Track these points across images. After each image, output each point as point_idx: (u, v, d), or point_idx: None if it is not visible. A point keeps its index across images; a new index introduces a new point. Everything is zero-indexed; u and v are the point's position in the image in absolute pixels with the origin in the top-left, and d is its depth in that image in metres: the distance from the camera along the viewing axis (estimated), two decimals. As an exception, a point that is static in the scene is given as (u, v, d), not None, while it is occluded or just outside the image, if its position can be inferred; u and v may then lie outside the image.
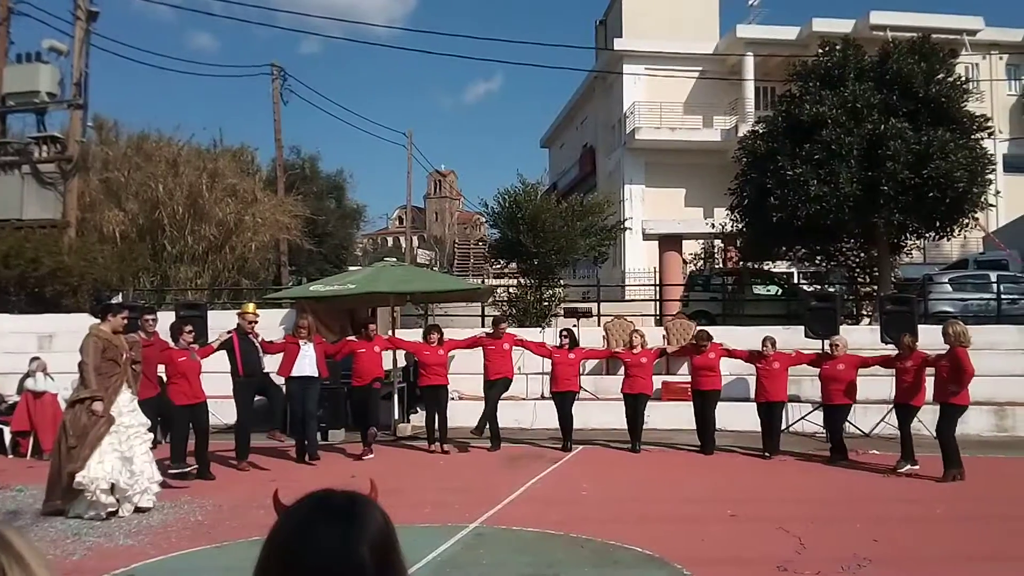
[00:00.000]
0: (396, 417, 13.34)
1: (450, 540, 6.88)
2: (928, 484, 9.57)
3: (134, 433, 8.31)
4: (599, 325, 16.73)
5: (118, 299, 9.33)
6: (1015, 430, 13.35)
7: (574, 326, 14.84)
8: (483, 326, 17.48)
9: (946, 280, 19.97)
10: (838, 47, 19.20)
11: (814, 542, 6.80)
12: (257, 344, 11.05)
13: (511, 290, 20.79)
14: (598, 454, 11.91)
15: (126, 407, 8.33)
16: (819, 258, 20.89)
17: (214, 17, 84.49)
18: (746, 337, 13.90)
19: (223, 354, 10.82)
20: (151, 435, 8.66)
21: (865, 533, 7.12)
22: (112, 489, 7.94)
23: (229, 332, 11.01)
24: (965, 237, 21.40)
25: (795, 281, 22.88)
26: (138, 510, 8.05)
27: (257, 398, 11.28)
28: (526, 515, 7.82)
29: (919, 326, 13.16)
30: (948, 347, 9.96)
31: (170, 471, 9.34)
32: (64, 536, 7.14)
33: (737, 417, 13.20)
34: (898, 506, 8.43)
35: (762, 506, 8.33)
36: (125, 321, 8.73)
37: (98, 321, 8.48)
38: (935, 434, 9.87)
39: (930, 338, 11.62)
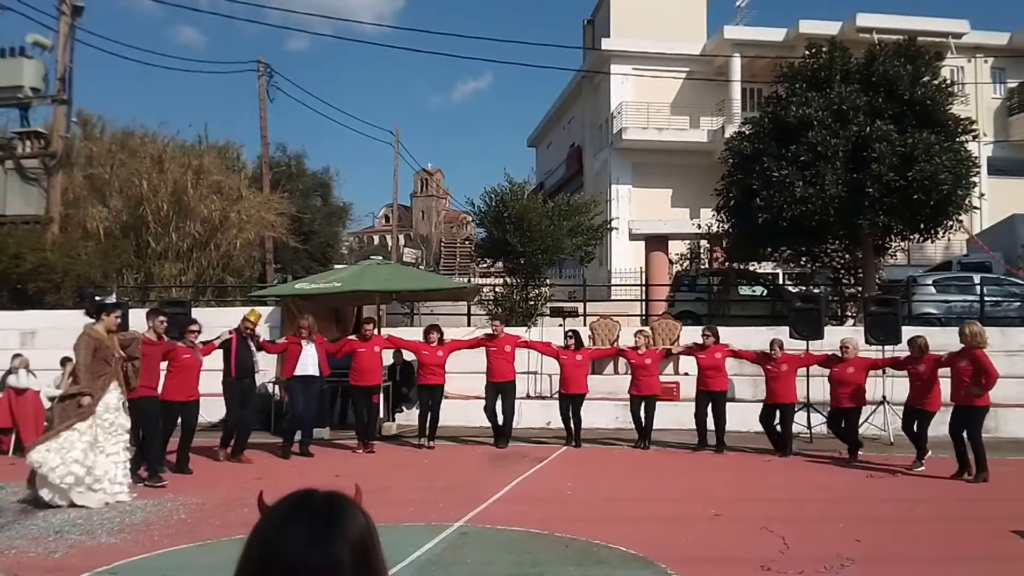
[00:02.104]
0: (382, 416, 13.32)
1: (435, 539, 6.86)
2: (912, 484, 9.64)
3: (113, 431, 8.36)
4: (585, 325, 16.74)
5: (112, 298, 9.40)
6: (998, 431, 13.43)
7: (560, 325, 14.86)
8: (469, 325, 17.48)
9: (930, 282, 20.09)
10: (824, 49, 19.27)
11: (798, 542, 6.81)
12: (253, 348, 11.19)
13: (497, 289, 20.77)
14: (583, 453, 11.92)
15: (112, 406, 8.39)
16: (804, 259, 20.98)
17: (201, 13, 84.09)
18: (732, 337, 13.95)
19: (215, 353, 10.98)
20: (126, 436, 8.66)
21: (848, 533, 7.14)
22: (45, 480, 8.00)
23: (230, 332, 11.18)
24: (949, 239, 21.54)
25: (780, 282, 22.97)
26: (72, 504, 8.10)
27: None
28: (511, 514, 7.82)
29: (903, 327, 13.26)
30: (963, 347, 9.98)
31: (145, 483, 9.28)
32: (46, 534, 7.08)
33: (731, 417, 13.24)
34: (881, 506, 8.47)
35: (746, 506, 8.35)
36: (119, 320, 8.82)
37: (93, 321, 8.52)
38: (970, 439, 9.80)
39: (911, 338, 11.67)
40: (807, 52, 19.77)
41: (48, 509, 7.93)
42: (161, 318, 10.52)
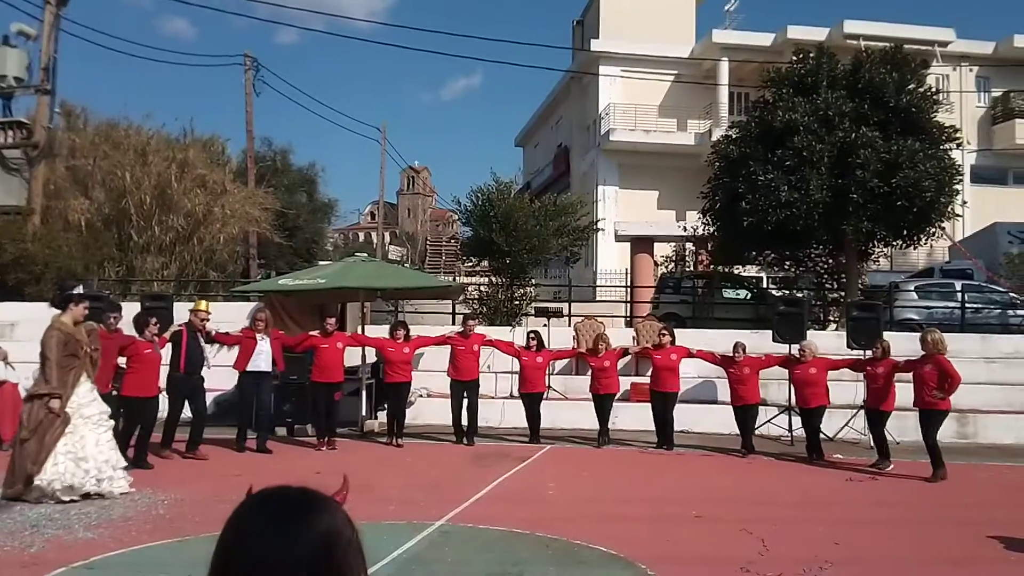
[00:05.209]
0: (363, 413, 13.27)
1: (416, 537, 6.84)
2: (890, 488, 9.71)
3: (96, 422, 8.30)
4: (570, 325, 16.75)
5: (80, 289, 9.32)
6: (976, 437, 13.58)
7: (544, 326, 14.88)
8: (453, 324, 17.45)
9: (912, 288, 20.24)
10: (812, 55, 19.37)
11: (777, 544, 6.85)
12: (203, 343, 11.02)
13: (482, 288, 20.75)
14: (565, 453, 11.93)
15: (86, 398, 8.31)
16: (788, 263, 21.08)
17: (189, 5, 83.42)
18: (715, 340, 14.00)
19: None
20: (112, 422, 8.64)
21: (827, 535, 7.18)
22: (70, 488, 7.95)
23: (179, 326, 11.02)
24: (932, 246, 21.70)
25: (764, 286, 23.06)
26: (98, 495, 8.08)
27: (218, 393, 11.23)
28: (492, 513, 7.80)
29: (884, 333, 13.34)
30: (925, 354, 10.22)
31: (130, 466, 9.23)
32: (22, 528, 7.01)
33: (703, 419, 13.33)
34: (861, 509, 8.54)
35: (726, 507, 8.39)
36: (86, 311, 8.68)
37: (59, 312, 8.40)
38: (925, 440, 10.10)
39: (892, 343, 11.79)
40: (794, 57, 19.87)
41: (24, 504, 7.83)
42: (112, 314, 10.50)
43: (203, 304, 11.62)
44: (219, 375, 11.88)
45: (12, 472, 8.00)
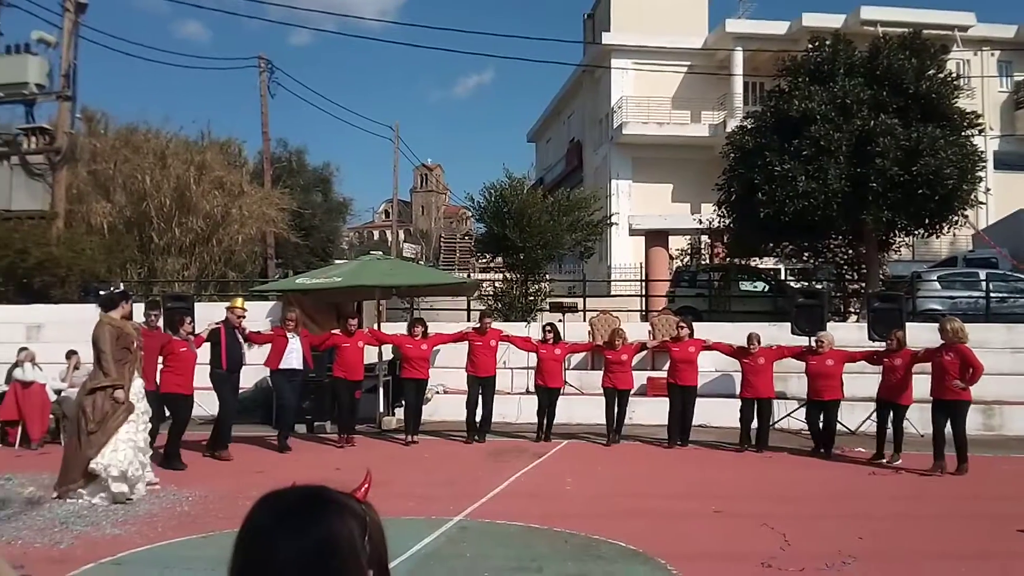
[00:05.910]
0: (381, 410, 13.34)
1: (434, 533, 6.88)
2: (914, 481, 9.63)
3: (140, 420, 8.49)
4: (585, 320, 16.73)
5: (120, 287, 9.58)
6: (1002, 429, 13.41)
7: (559, 320, 14.87)
8: (468, 320, 17.49)
9: (935, 278, 19.94)
10: (828, 42, 19.15)
11: (798, 539, 6.80)
12: (241, 340, 11.11)
13: (497, 284, 20.77)
14: (582, 448, 11.93)
15: (138, 393, 8.52)
16: (807, 254, 20.91)
17: (203, 9, 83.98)
18: (732, 333, 13.91)
19: (205, 345, 10.92)
20: (150, 424, 8.82)
21: (850, 530, 7.12)
22: (123, 477, 8.07)
23: (217, 323, 11.12)
24: (955, 235, 21.42)
25: (782, 277, 22.91)
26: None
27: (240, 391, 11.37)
28: (510, 509, 7.83)
29: (907, 324, 13.20)
30: (944, 343, 10.04)
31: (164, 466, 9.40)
32: (51, 525, 7.13)
33: (722, 413, 13.26)
34: (883, 503, 8.46)
35: (746, 502, 8.35)
36: (131, 308, 8.95)
37: (105, 311, 8.61)
38: (954, 433, 9.95)
39: (914, 335, 11.68)
40: (810, 45, 19.65)
41: (53, 501, 7.96)
42: (153, 312, 10.67)
43: (239, 301, 11.82)
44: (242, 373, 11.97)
45: (67, 467, 8.15)
